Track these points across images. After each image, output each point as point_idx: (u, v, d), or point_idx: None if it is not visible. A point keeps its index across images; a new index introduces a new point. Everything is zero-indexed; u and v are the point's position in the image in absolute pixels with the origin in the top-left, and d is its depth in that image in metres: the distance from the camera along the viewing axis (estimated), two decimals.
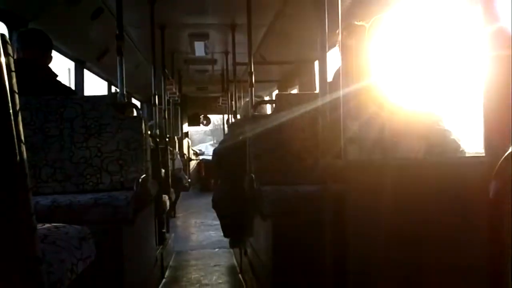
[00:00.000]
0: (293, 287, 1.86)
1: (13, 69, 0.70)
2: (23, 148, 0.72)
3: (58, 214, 1.74)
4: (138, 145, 2.19)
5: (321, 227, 1.35)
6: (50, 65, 2.49)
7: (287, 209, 1.92)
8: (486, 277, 0.89)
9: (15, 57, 2.42)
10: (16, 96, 0.71)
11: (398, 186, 1.29)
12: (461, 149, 1.86)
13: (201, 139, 20.59)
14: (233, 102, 5.49)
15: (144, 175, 2.15)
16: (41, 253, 0.83)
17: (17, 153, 0.70)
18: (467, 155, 1.87)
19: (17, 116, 0.71)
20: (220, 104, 7.90)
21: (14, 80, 0.70)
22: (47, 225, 1.08)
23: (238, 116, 5.27)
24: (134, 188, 2.01)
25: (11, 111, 0.68)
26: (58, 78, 2.48)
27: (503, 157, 0.77)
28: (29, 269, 0.75)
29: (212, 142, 18.80)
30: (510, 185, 0.76)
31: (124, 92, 2.37)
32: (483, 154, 1.25)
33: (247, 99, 3.67)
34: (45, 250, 0.87)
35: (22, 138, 0.72)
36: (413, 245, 1.28)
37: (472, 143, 1.89)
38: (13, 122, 0.69)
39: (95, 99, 2.26)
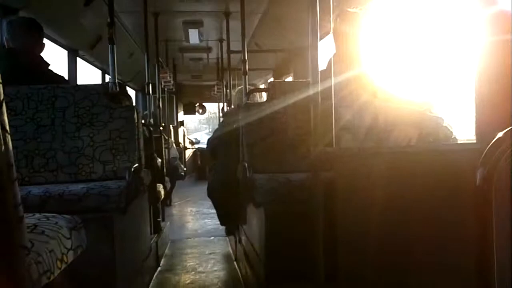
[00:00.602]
0: (286, 273, 1.87)
1: None
2: (8, 138, 0.72)
3: (50, 203, 1.73)
4: (131, 134, 2.18)
5: (313, 215, 1.36)
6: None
7: (279, 197, 1.93)
8: (473, 260, 0.90)
9: (6, 46, 2.39)
10: (0, 86, 0.70)
11: (390, 174, 1.29)
12: (453, 137, 1.86)
13: (196, 128, 20.54)
14: (228, 91, 5.46)
15: (136, 164, 2.15)
16: (29, 242, 0.83)
17: (2, 143, 0.70)
18: (459, 142, 1.88)
19: (1, 106, 0.70)
20: (215, 92, 7.87)
21: None
22: (37, 215, 1.08)
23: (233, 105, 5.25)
24: (127, 177, 2.00)
25: None
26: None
27: (489, 144, 0.77)
28: (17, 258, 0.75)
29: (207, 131, 18.74)
30: (496, 171, 0.76)
31: (116, 81, 2.35)
32: (475, 141, 1.26)
33: (241, 87, 3.65)
34: (33, 240, 0.87)
35: (7, 127, 0.71)
36: (404, 232, 1.29)
37: (464, 130, 1.90)
38: None
39: (87, 88, 2.24)
